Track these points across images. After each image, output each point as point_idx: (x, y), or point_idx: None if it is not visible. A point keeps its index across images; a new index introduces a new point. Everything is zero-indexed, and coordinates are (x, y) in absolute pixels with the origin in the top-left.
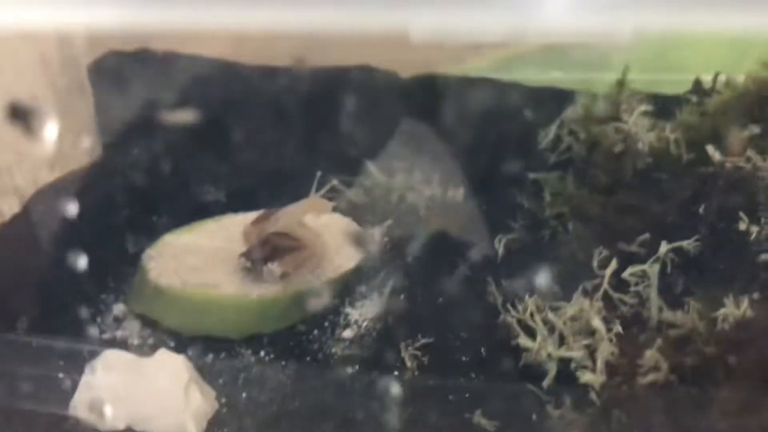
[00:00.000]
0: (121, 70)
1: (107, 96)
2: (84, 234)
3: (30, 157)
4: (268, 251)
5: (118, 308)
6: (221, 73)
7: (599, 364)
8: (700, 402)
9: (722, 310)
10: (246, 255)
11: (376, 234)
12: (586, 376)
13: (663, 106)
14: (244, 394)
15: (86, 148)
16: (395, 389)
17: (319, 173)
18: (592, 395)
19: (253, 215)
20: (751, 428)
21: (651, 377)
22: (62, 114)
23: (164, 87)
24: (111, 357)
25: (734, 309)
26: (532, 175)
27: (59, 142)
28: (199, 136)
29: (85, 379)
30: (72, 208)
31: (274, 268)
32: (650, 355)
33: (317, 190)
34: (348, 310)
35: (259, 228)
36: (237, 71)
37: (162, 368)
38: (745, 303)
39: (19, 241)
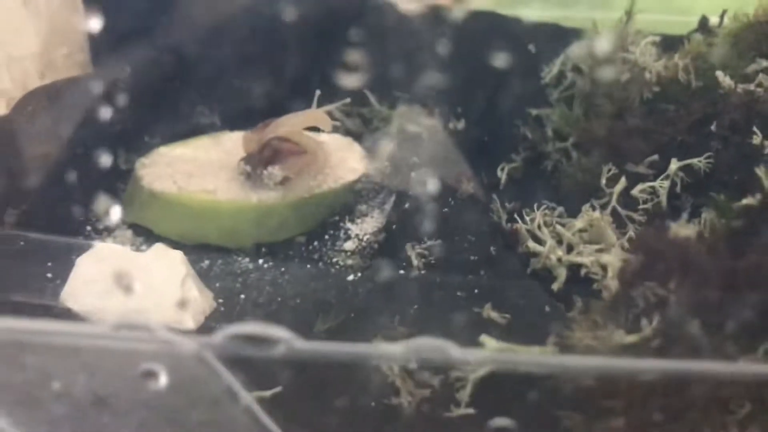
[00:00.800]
0: None
1: (98, 14)
2: (73, 143)
3: (19, 61)
4: (269, 154)
5: (108, 218)
6: None
7: (611, 270)
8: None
9: (744, 201)
10: (246, 159)
11: (376, 159)
12: (604, 258)
13: (668, 45)
14: (242, 296)
15: (77, 63)
16: (401, 285)
17: (318, 92)
18: (604, 293)
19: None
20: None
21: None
22: (54, 27)
23: (160, 6)
24: (103, 249)
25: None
26: (534, 111)
27: (50, 53)
28: (193, 59)
29: (76, 270)
30: (61, 115)
31: (275, 170)
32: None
33: None
34: (349, 225)
35: (259, 134)
36: None
37: (158, 261)
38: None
39: (6, 144)
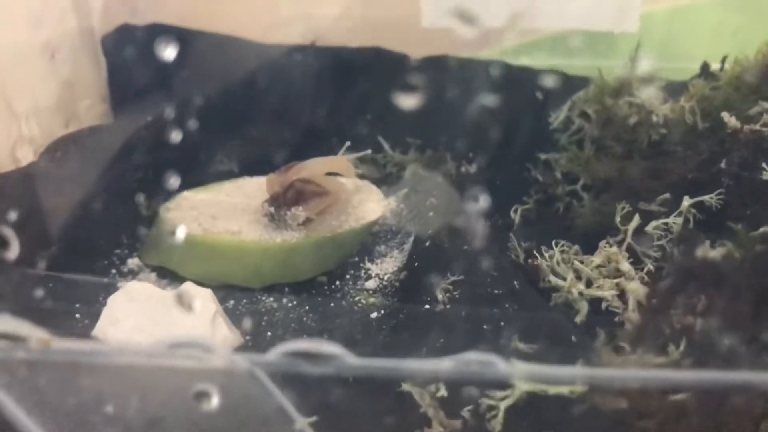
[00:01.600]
0: (134, 44)
1: (119, 67)
2: (97, 190)
3: (46, 111)
4: (292, 195)
5: (133, 262)
6: (233, 48)
7: (631, 303)
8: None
9: (761, 229)
10: (270, 200)
11: (392, 202)
12: (630, 285)
13: (671, 91)
14: (268, 333)
15: (98, 114)
16: (426, 320)
17: (347, 143)
18: (627, 326)
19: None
20: None
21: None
22: (77, 79)
23: (177, 61)
24: (132, 288)
25: None
26: (543, 156)
27: (74, 105)
28: (211, 109)
29: (108, 307)
30: (86, 162)
31: (298, 212)
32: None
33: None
34: (369, 265)
35: (283, 177)
36: (251, 47)
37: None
38: None
39: (35, 189)
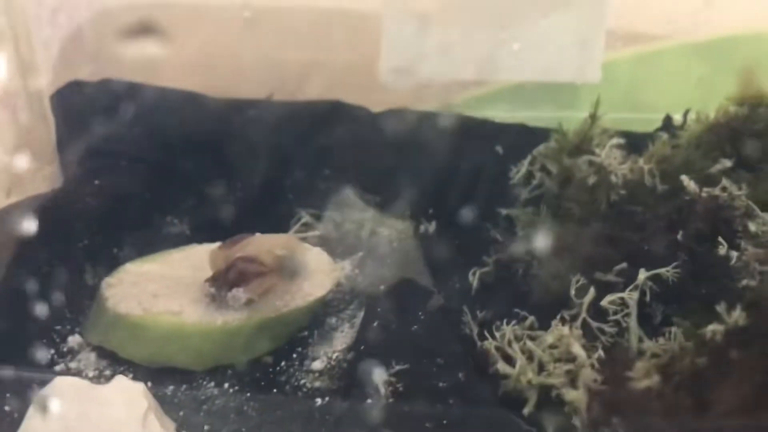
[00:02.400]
0: (83, 101)
1: (69, 126)
2: (39, 262)
3: None
4: (234, 276)
5: (74, 340)
6: (187, 104)
7: (581, 389)
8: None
9: (710, 327)
10: (211, 280)
11: (347, 266)
12: (570, 395)
13: (633, 144)
14: (206, 427)
15: (46, 176)
16: (369, 417)
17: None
18: (575, 421)
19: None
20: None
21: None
22: (23, 142)
23: (127, 118)
24: (62, 384)
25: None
26: (504, 211)
27: (17, 170)
28: (164, 168)
29: (33, 408)
30: (27, 234)
31: (239, 293)
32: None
33: (285, 223)
34: (317, 341)
35: (226, 253)
36: (204, 103)
37: (119, 396)
38: (737, 312)
39: None
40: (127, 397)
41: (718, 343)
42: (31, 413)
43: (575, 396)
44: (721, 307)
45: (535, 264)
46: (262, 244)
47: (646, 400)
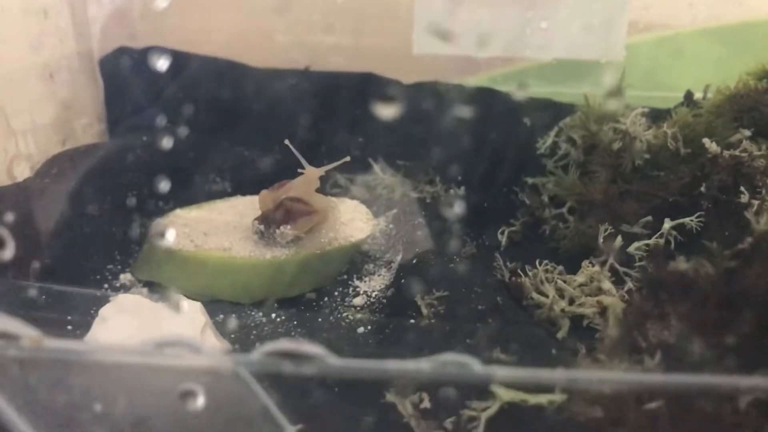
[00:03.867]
0: (129, 65)
1: (116, 88)
2: (91, 206)
3: (43, 128)
4: (281, 214)
5: (125, 277)
6: (227, 71)
7: (611, 319)
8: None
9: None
10: (260, 218)
11: (381, 223)
12: (606, 300)
13: (656, 118)
14: (257, 345)
15: (95, 132)
16: (411, 334)
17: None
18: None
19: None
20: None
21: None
22: (75, 98)
23: (170, 83)
24: (124, 300)
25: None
26: (530, 180)
27: (71, 124)
28: (208, 129)
29: (98, 320)
30: (81, 179)
31: (287, 230)
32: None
33: (324, 185)
34: (357, 282)
35: (274, 195)
36: (245, 71)
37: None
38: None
39: (31, 204)
40: (186, 313)
41: (746, 250)
42: (96, 323)
43: (612, 301)
44: (749, 213)
45: (561, 224)
46: (304, 185)
47: (684, 278)
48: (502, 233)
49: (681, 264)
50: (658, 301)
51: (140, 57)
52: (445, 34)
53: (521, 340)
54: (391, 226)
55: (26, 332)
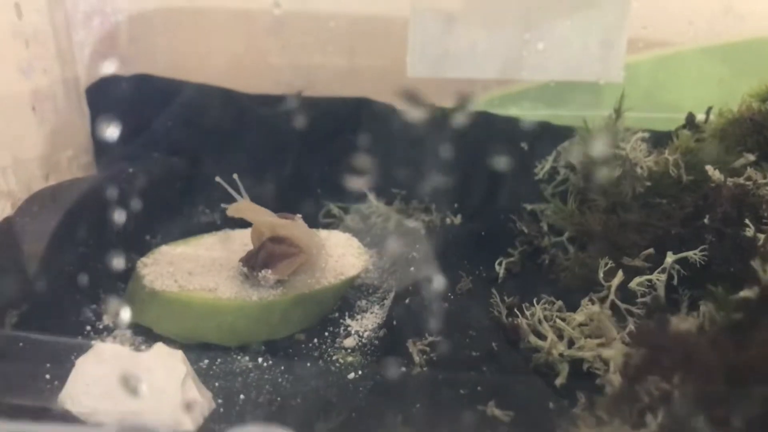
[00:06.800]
0: (116, 94)
1: (103, 118)
2: (75, 244)
3: (25, 163)
4: (264, 256)
5: (108, 318)
6: (218, 98)
7: (612, 366)
8: None
9: (742, 292)
10: (244, 260)
11: (374, 255)
12: (606, 353)
13: (657, 141)
14: (241, 396)
15: (81, 165)
16: (403, 383)
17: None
18: (608, 390)
19: (248, 231)
20: None
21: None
22: (59, 130)
23: (159, 111)
24: (103, 350)
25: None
26: (529, 206)
27: (56, 156)
28: (197, 159)
29: (76, 371)
30: (64, 216)
31: (268, 275)
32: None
33: (315, 215)
34: (349, 321)
35: (261, 231)
36: (234, 98)
37: (158, 362)
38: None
39: (10, 245)
40: (166, 363)
41: (753, 301)
42: (73, 378)
43: (611, 353)
44: (756, 263)
45: (560, 253)
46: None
47: (686, 343)
48: (500, 264)
49: (683, 322)
50: (660, 366)
51: (128, 85)
52: (440, 56)
53: (517, 391)
54: (384, 258)
55: None
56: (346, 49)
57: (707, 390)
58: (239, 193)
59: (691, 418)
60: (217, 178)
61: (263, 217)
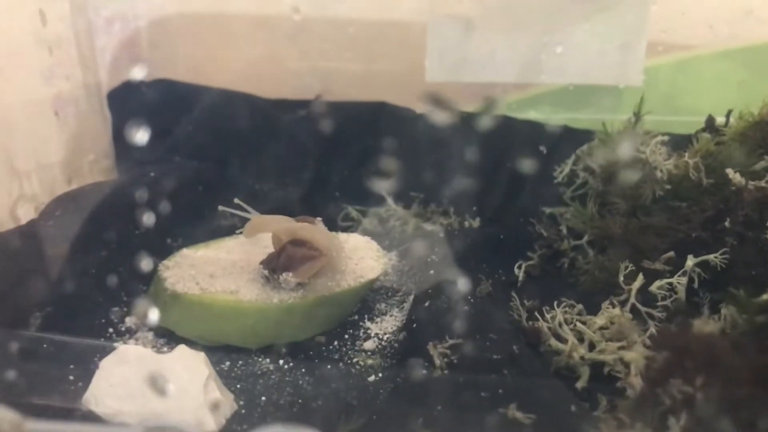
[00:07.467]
0: (137, 99)
1: (124, 123)
2: (97, 247)
3: (48, 168)
4: (284, 260)
5: (131, 320)
6: (238, 103)
7: (633, 369)
8: None
9: (764, 296)
10: (265, 263)
11: (393, 258)
12: (628, 356)
13: (677, 144)
14: (263, 398)
15: (102, 168)
16: (423, 386)
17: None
18: (630, 393)
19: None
20: None
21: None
22: (81, 135)
23: (181, 116)
24: (126, 351)
25: None
26: (548, 210)
27: (78, 161)
28: (217, 163)
29: (99, 372)
30: (87, 220)
31: (289, 278)
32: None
33: (335, 218)
34: (369, 324)
35: (282, 235)
36: (255, 102)
37: (180, 364)
38: None
39: (33, 247)
40: (189, 365)
41: None
42: (97, 379)
43: (633, 356)
44: None
45: (580, 257)
46: (312, 227)
47: (709, 346)
48: (519, 267)
49: (706, 325)
50: (682, 369)
51: (149, 90)
52: (458, 60)
53: (538, 394)
54: (403, 261)
55: (6, 416)
56: (365, 54)
57: (731, 393)
58: (246, 212)
59: (715, 421)
60: (220, 207)
61: (279, 225)
